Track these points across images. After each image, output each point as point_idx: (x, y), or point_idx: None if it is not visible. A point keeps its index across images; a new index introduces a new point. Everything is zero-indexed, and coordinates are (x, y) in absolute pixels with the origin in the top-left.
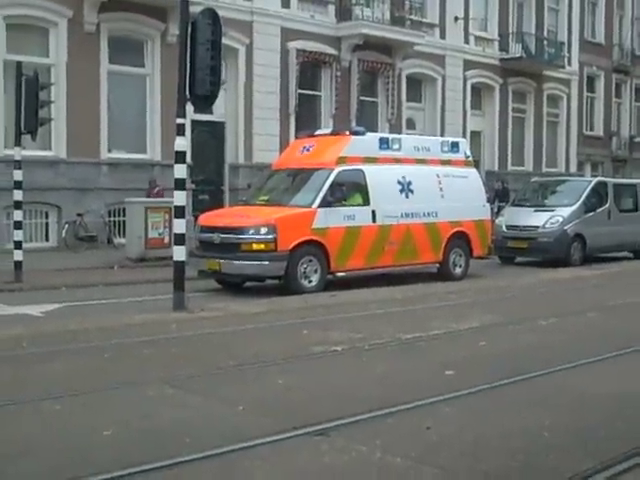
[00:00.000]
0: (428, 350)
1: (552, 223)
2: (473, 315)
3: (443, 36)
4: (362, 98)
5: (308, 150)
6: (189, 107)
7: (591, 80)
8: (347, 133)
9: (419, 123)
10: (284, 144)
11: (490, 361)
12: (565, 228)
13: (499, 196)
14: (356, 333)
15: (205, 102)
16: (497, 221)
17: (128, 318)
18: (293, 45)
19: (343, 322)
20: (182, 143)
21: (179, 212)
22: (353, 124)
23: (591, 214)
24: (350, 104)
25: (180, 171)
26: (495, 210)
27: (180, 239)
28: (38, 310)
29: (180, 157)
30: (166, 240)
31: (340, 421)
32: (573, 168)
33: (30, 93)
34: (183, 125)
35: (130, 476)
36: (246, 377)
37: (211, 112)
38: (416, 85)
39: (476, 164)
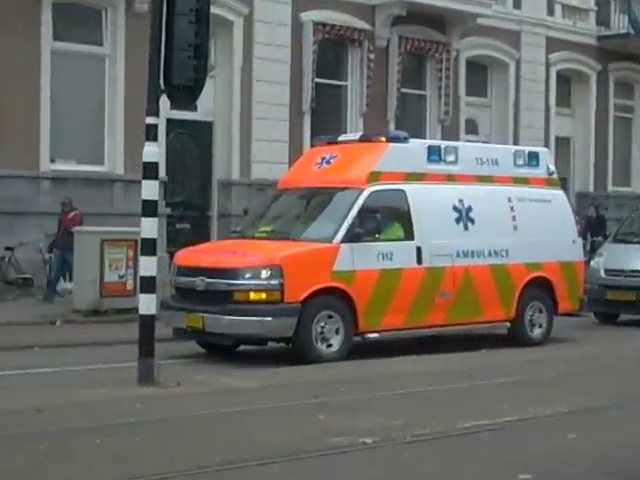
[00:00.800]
0: (494, 445)
1: None
2: (558, 395)
3: (518, 5)
4: (404, 90)
5: (329, 162)
6: (164, 102)
7: None
8: (383, 139)
9: (483, 126)
10: (295, 154)
11: (583, 462)
12: None
13: (594, 228)
14: (393, 419)
15: (186, 95)
16: (592, 263)
17: (75, 394)
18: (309, 16)
19: (375, 403)
20: (153, 151)
21: (148, 247)
22: (391, 127)
23: None
24: (387, 99)
25: (150, 190)
26: (589, 247)
27: (149, 284)
28: None
29: (150, 170)
30: (130, 286)
31: None
32: None
33: None
34: (155, 126)
35: None
36: None
37: (195, 109)
38: (480, 73)
39: (563, 183)
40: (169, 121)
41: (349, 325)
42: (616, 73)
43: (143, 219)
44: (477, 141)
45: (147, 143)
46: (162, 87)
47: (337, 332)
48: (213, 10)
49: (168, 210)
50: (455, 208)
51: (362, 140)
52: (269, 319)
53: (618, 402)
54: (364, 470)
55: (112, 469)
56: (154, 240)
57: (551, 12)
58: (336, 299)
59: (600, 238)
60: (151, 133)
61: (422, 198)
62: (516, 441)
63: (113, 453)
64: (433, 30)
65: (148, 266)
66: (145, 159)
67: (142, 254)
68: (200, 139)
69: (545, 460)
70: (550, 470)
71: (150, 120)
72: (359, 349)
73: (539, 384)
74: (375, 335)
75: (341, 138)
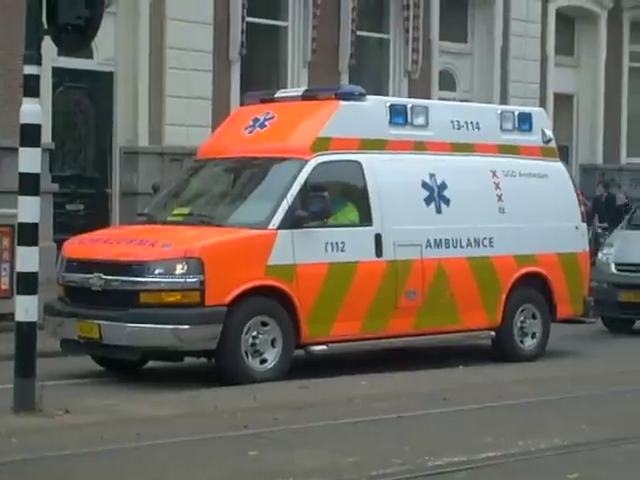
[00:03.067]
0: None
1: None
2: (556, 425)
3: None
4: (361, 33)
5: (263, 126)
6: (48, 46)
7: None
8: (332, 96)
9: (463, 79)
10: (220, 115)
11: None
12: None
13: (603, 211)
14: (345, 455)
15: (77, 37)
16: (600, 256)
17: None
18: None
19: (321, 436)
20: (34, 110)
21: (27, 234)
22: (344, 80)
23: None
24: (339, 44)
25: (30, 160)
26: (594, 235)
27: (29, 283)
28: None
29: (30, 135)
30: (4, 285)
31: None
32: None
33: None
34: (37, 78)
35: None
36: None
37: (90, 55)
38: (458, 11)
39: (563, 154)
40: (56, 71)
41: (289, 335)
42: (632, 12)
43: (21, 198)
44: (454, 99)
45: (25, 100)
46: (45, 27)
47: (273, 344)
48: None
49: (55, 187)
50: (425, 185)
51: (306, 97)
52: (186, 327)
53: (632, 433)
54: None
55: None
56: (35, 225)
57: None
58: (272, 301)
59: (606, 224)
60: (31, 87)
61: (383, 172)
62: None
63: None
64: None
65: (27, 259)
66: (23, 120)
67: (20, 244)
68: (97, 95)
69: None
70: None
71: (29, 70)
72: (301, 365)
73: (531, 410)
74: (322, 347)
75: (279, 94)
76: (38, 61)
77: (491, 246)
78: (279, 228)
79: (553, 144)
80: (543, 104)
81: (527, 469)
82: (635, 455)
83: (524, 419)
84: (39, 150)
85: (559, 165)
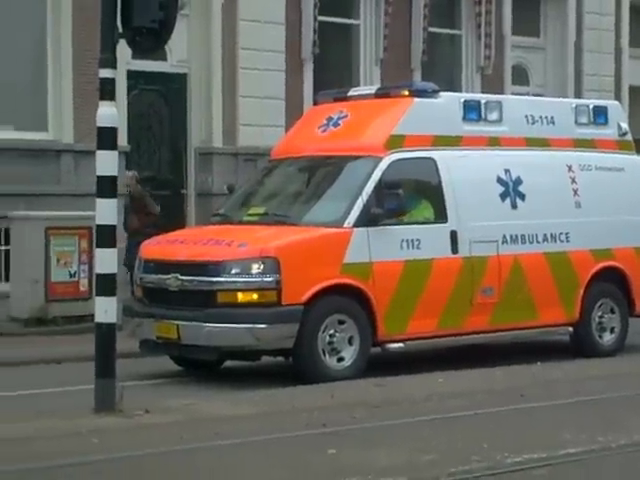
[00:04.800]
0: None
1: None
2: (634, 421)
3: None
4: (433, 30)
5: (336, 125)
6: (123, 49)
7: None
8: (406, 93)
9: (536, 74)
10: (294, 114)
11: None
12: None
13: None
14: (422, 453)
15: (152, 40)
16: None
17: (13, 427)
18: None
19: (399, 433)
20: (110, 113)
21: (106, 236)
22: (416, 77)
23: None
24: (411, 41)
25: (107, 163)
26: None
27: (107, 284)
28: None
29: (107, 138)
30: (83, 286)
31: None
32: None
33: None
34: (112, 81)
35: None
36: None
37: (164, 57)
38: (530, 5)
39: (639, 147)
40: (130, 74)
41: (365, 333)
42: None
43: (99, 200)
44: (527, 94)
45: (102, 103)
46: (120, 30)
47: (350, 342)
48: None
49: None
50: (500, 180)
51: (379, 95)
52: (263, 326)
53: None
54: None
55: None
56: (113, 227)
57: None
58: (348, 300)
59: None
60: (107, 90)
61: (457, 168)
62: (582, 479)
63: None
64: None
65: (106, 261)
66: (100, 123)
67: (98, 246)
68: (171, 97)
69: None
70: None
71: (105, 73)
72: (378, 363)
73: (611, 406)
74: (399, 345)
75: (352, 93)
76: (113, 64)
77: (567, 241)
78: (354, 226)
79: (629, 137)
80: (618, 97)
81: (608, 465)
82: None
83: (603, 415)
84: (116, 153)
85: (636, 158)
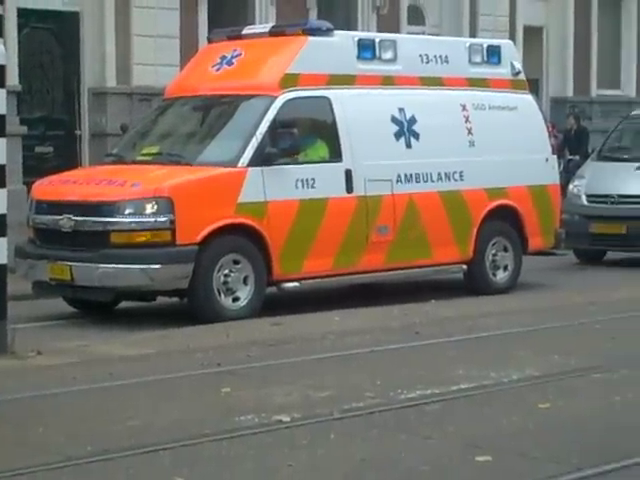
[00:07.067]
0: (445, 419)
1: None
2: (527, 356)
3: None
4: None
5: (230, 63)
6: None
7: None
8: (300, 32)
9: (431, 13)
10: (188, 53)
11: (557, 438)
12: None
13: (574, 143)
14: (317, 390)
15: None
16: (571, 187)
17: None
18: None
19: (294, 371)
20: None
21: None
22: (312, 16)
23: None
24: None
25: None
26: (564, 167)
27: None
28: None
29: None
30: None
31: None
32: None
33: None
34: (0, 18)
35: None
36: (115, 476)
37: None
38: None
39: (533, 86)
40: (21, 12)
41: (261, 272)
42: None
43: None
44: (422, 33)
45: None
46: None
47: (245, 281)
48: None
49: (24, 129)
50: (394, 119)
51: (273, 33)
52: (157, 267)
53: (602, 363)
54: (280, 455)
55: None
56: (2, 167)
57: None
58: (243, 239)
59: (578, 157)
60: None
61: (352, 107)
62: (473, 414)
63: None
64: None
65: None
66: None
67: None
68: (63, 36)
69: (510, 437)
70: (515, 449)
71: None
72: (273, 302)
73: (503, 342)
74: (294, 284)
75: (246, 31)
76: (0, 1)
77: (461, 180)
78: (249, 165)
79: (522, 76)
80: (513, 37)
81: (499, 400)
82: (603, 384)
83: (496, 351)
84: (4, 91)
85: (529, 97)
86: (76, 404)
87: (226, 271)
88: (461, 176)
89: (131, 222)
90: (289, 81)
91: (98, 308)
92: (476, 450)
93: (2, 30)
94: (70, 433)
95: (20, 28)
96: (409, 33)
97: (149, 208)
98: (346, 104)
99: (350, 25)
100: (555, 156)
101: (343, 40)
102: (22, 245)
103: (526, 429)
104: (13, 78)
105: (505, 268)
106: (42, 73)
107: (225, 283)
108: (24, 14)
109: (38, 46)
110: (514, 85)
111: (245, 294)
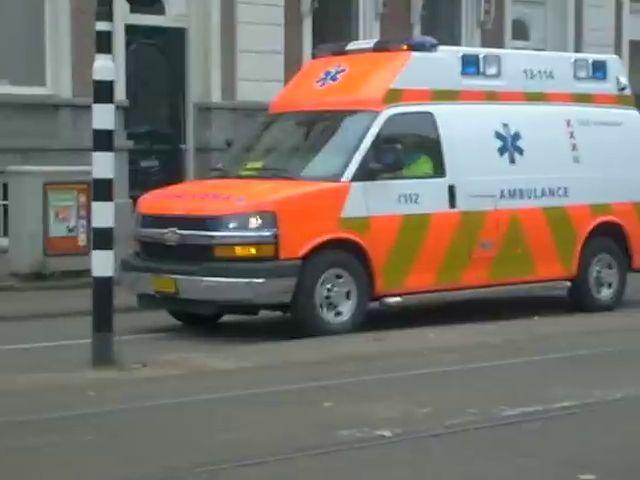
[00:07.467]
0: (548, 437)
1: None
2: (631, 375)
3: None
4: None
5: (334, 79)
6: (121, 2)
7: None
8: (404, 47)
9: (536, 29)
10: (292, 68)
11: None
12: None
13: None
14: (418, 406)
15: None
16: None
17: (11, 380)
18: None
19: (395, 386)
20: (107, 66)
21: (102, 190)
22: (416, 32)
23: None
24: None
25: (103, 116)
26: None
27: (104, 238)
28: None
29: (103, 91)
30: (82, 241)
31: None
32: None
33: None
34: (108, 34)
35: None
36: None
37: (162, 12)
38: None
39: (639, 102)
40: (129, 28)
41: (363, 287)
42: None
43: (95, 154)
44: (527, 48)
45: (98, 56)
46: None
47: (348, 296)
48: None
49: (130, 143)
50: (498, 135)
51: (378, 49)
52: (260, 281)
53: None
54: (382, 470)
55: (54, 476)
56: (109, 181)
57: None
58: (346, 254)
59: None
60: (103, 43)
61: (455, 123)
62: (576, 432)
63: (58, 455)
64: None
65: (103, 214)
66: (96, 77)
67: (95, 199)
68: (170, 51)
69: (613, 456)
70: (619, 468)
71: (101, 26)
72: (376, 317)
73: (607, 361)
74: (397, 299)
75: (351, 47)
76: (109, 17)
77: (566, 196)
78: (352, 180)
79: (628, 92)
80: (618, 52)
81: (602, 419)
82: None
83: (599, 369)
84: (112, 106)
85: (634, 113)
86: (177, 416)
87: (329, 285)
88: (565, 192)
89: (235, 236)
90: (393, 96)
91: (201, 321)
92: (579, 469)
93: (110, 46)
94: (171, 445)
95: (127, 44)
96: (513, 48)
97: (253, 222)
98: (450, 119)
99: (454, 40)
100: None
101: (447, 55)
102: (128, 258)
103: (630, 448)
104: (120, 93)
105: (609, 285)
106: (148, 88)
107: (328, 297)
108: (131, 30)
109: (145, 62)
110: (620, 100)
111: (347, 309)
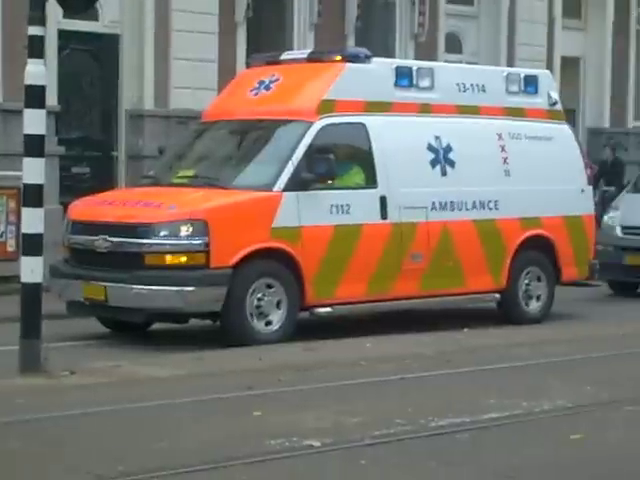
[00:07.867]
0: (477, 448)
1: None
2: (559, 387)
3: None
4: None
5: (268, 88)
6: (54, 7)
7: None
8: (338, 58)
9: (469, 42)
10: (226, 77)
11: (588, 470)
12: None
13: (610, 174)
14: (349, 416)
15: None
16: (606, 219)
17: None
18: None
19: (330, 396)
20: (38, 71)
21: (32, 195)
22: (350, 42)
23: None
24: (345, 6)
25: (34, 122)
26: (600, 198)
27: (34, 244)
28: None
29: (35, 96)
30: (10, 247)
31: None
32: None
33: None
34: (41, 39)
35: None
36: None
37: (95, 18)
38: None
39: (570, 117)
40: (61, 33)
41: (294, 297)
42: None
43: (26, 159)
44: (460, 61)
45: (30, 61)
46: None
47: (278, 306)
48: None
49: (61, 149)
50: (430, 147)
51: (311, 59)
52: (191, 289)
53: (635, 395)
54: None
55: None
56: (40, 187)
57: None
58: (277, 264)
59: (613, 188)
60: (35, 48)
61: (388, 134)
62: (504, 444)
63: None
64: None
65: (32, 220)
66: (28, 81)
67: (25, 205)
68: (103, 57)
69: (541, 468)
70: (547, 479)
71: (33, 31)
72: (306, 327)
73: (535, 372)
74: (327, 309)
75: (284, 56)
76: (42, 22)
77: (496, 209)
78: (284, 190)
79: (559, 107)
80: (550, 67)
81: (530, 430)
82: (635, 416)
83: (528, 381)
84: (44, 111)
85: (565, 128)
86: (107, 424)
87: (259, 295)
88: (496, 205)
89: (166, 244)
90: (326, 107)
91: (131, 329)
92: (508, 479)
93: (42, 51)
94: (100, 453)
95: (60, 50)
96: (446, 61)
97: (184, 230)
98: (382, 131)
99: (388, 52)
100: (591, 187)
101: (381, 67)
102: (57, 265)
103: (557, 460)
104: (52, 99)
105: (538, 298)
106: (81, 94)
107: (258, 307)
108: (64, 35)
109: (77, 67)
110: (551, 115)
111: (278, 318)
